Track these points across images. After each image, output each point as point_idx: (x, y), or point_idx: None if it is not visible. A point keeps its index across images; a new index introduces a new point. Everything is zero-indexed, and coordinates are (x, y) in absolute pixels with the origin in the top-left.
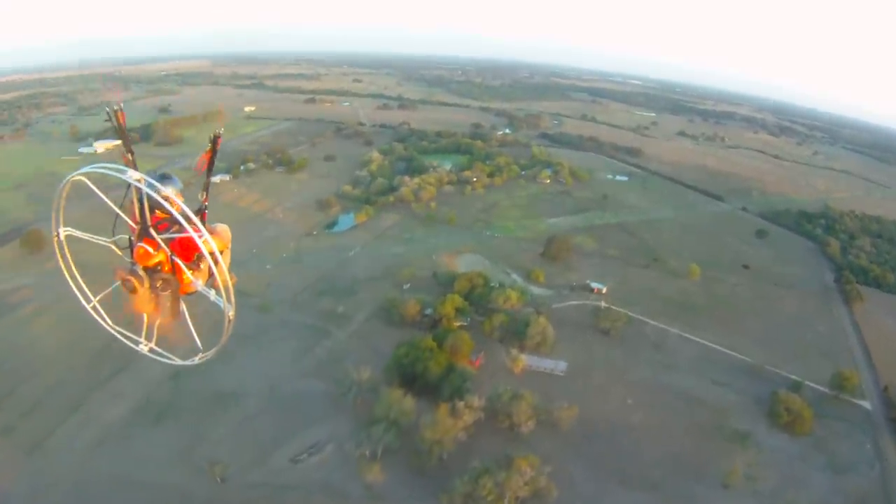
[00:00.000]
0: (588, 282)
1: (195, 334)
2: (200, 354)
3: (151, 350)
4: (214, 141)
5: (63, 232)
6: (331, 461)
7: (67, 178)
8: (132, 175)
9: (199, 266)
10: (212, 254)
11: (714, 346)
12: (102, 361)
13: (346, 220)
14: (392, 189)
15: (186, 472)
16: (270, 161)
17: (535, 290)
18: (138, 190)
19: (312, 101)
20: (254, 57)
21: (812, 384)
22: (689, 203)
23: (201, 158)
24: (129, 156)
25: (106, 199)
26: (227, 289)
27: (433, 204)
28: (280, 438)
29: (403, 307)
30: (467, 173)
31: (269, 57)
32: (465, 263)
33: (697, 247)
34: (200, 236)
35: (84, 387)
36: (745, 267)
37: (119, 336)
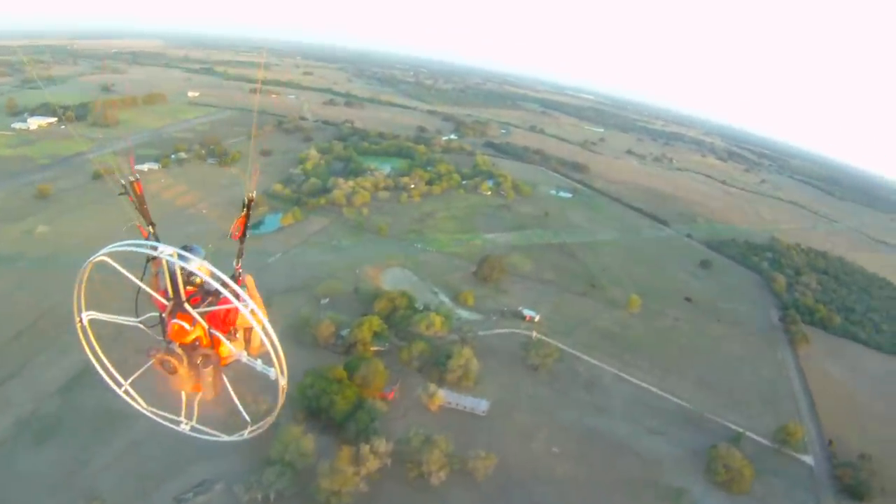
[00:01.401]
0: (520, 308)
1: (240, 407)
2: (249, 428)
3: (193, 428)
4: (248, 205)
5: (86, 316)
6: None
7: (89, 259)
8: (165, 251)
9: (235, 336)
10: (262, 326)
11: (651, 388)
12: None
13: (272, 222)
14: (325, 191)
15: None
16: (203, 152)
17: (463, 313)
18: (170, 265)
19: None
20: (214, 41)
21: (753, 435)
22: (633, 226)
23: (235, 224)
24: (151, 228)
25: (132, 278)
26: (279, 358)
27: (365, 210)
28: (167, 471)
29: (316, 327)
30: (405, 180)
31: (226, 43)
32: (391, 279)
33: (639, 274)
34: (247, 307)
35: None
36: (688, 300)
37: (157, 418)
